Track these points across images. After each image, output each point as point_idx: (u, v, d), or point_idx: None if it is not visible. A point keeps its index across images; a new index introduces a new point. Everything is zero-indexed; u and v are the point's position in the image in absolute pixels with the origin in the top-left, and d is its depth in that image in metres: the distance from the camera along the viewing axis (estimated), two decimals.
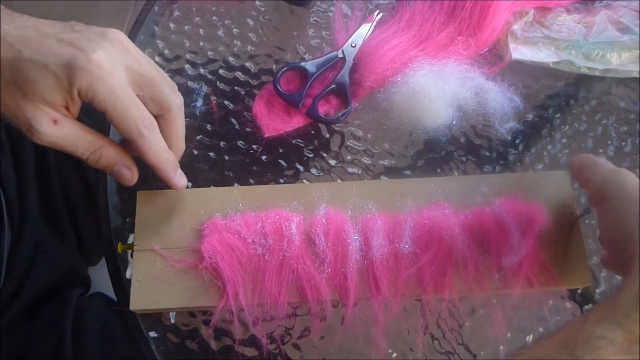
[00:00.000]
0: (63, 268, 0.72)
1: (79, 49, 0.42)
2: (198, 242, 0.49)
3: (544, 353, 0.36)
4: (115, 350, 0.63)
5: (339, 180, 0.57)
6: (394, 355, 0.51)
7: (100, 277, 0.77)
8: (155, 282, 0.48)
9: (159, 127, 0.47)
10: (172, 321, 0.51)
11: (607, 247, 0.44)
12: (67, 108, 0.44)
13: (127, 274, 0.50)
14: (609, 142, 0.61)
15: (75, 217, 0.74)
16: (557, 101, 0.63)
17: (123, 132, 0.44)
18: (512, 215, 0.50)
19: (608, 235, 0.43)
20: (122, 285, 0.52)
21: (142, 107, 0.45)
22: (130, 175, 0.48)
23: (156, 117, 0.47)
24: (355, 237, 0.50)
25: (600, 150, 0.60)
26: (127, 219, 0.55)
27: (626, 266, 0.40)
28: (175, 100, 0.48)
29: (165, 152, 0.47)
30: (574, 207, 0.52)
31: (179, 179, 0.50)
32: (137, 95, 0.45)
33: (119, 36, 0.45)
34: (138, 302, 0.48)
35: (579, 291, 0.54)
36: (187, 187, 0.56)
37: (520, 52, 0.62)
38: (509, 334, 0.52)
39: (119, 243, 0.51)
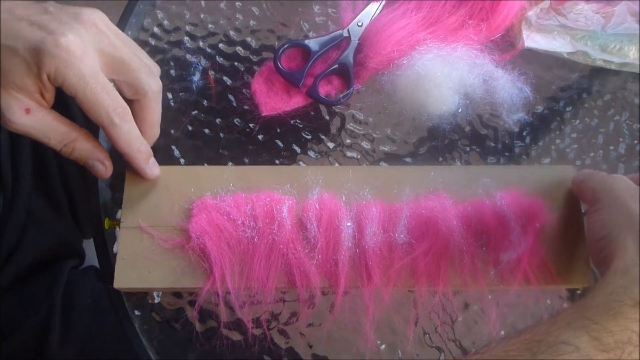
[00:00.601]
0: (56, 239, 0.71)
1: (49, 32, 0.41)
2: (186, 222, 0.48)
3: (506, 353, 0.34)
4: (103, 327, 0.62)
5: (337, 164, 0.55)
6: (383, 347, 0.50)
7: (94, 251, 0.76)
8: (140, 261, 0.47)
9: (134, 112, 0.45)
10: (157, 300, 0.50)
11: (590, 246, 0.44)
12: (41, 95, 0.42)
13: (115, 250, 0.49)
14: (621, 139, 0.59)
15: (69, 188, 0.73)
16: (569, 94, 0.60)
17: (93, 119, 0.43)
18: (513, 209, 0.48)
19: (592, 234, 0.43)
20: (108, 262, 0.51)
21: (114, 94, 0.43)
22: (104, 169, 0.47)
23: (132, 101, 0.46)
24: (348, 224, 0.48)
25: (611, 147, 0.58)
26: (117, 194, 0.54)
27: (603, 267, 0.40)
28: (152, 85, 0.46)
29: (137, 141, 0.46)
30: (579, 204, 0.50)
31: (151, 168, 0.49)
32: (113, 80, 0.44)
33: (92, 17, 0.43)
34: (122, 279, 0.47)
35: (579, 292, 0.52)
36: (180, 164, 0.55)
37: (533, 40, 0.59)
38: (502, 332, 0.50)
39: (106, 219, 0.50)
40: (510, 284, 0.47)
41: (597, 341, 0.33)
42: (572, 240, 0.49)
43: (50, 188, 0.71)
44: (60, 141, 0.44)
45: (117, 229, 0.49)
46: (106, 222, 0.50)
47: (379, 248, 0.47)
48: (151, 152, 0.48)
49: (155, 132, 0.48)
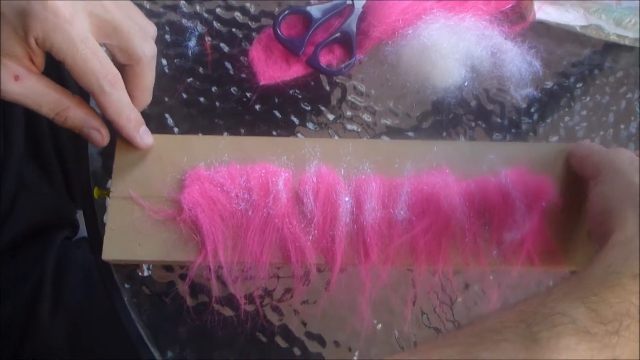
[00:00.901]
0: (48, 209, 0.70)
1: None
2: (178, 193, 0.46)
3: (500, 324, 0.33)
4: (93, 299, 0.61)
5: (336, 137, 0.53)
6: (379, 326, 0.48)
7: None
8: (130, 232, 0.45)
9: (126, 77, 0.44)
10: (147, 273, 0.49)
11: (590, 220, 0.43)
12: (31, 60, 0.41)
13: (105, 220, 0.47)
14: (632, 118, 0.57)
15: (63, 157, 0.72)
16: (580, 69, 0.58)
17: (82, 86, 0.41)
18: (518, 187, 0.46)
19: (592, 208, 0.42)
20: (97, 232, 0.49)
21: (105, 60, 0.41)
22: (100, 137, 0.45)
23: (124, 66, 0.44)
24: (346, 199, 0.46)
25: (622, 126, 0.56)
26: (108, 162, 0.51)
27: (602, 240, 0.39)
28: (146, 50, 0.44)
29: (127, 109, 0.44)
30: (586, 183, 0.47)
31: (142, 137, 0.47)
32: (105, 44, 0.42)
33: None
34: (111, 251, 0.45)
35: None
36: (174, 133, 0.53)
37: (545, 12, 0.57)
38: None
39: (95, 188, 0.48)
40: (513, 264, 0.46)
41: (594, 313, 0.32)
42: (578, 221, 0.47)
43: (43, 157, 0.70)
44: (52, 109, 0.43)
45: (107, 199, 0.47)
46: (95, 192, 0.48)
47: (377, 224, 0.46)
48: (142, 120, 0.46)
49: (146, 97, 0.47)
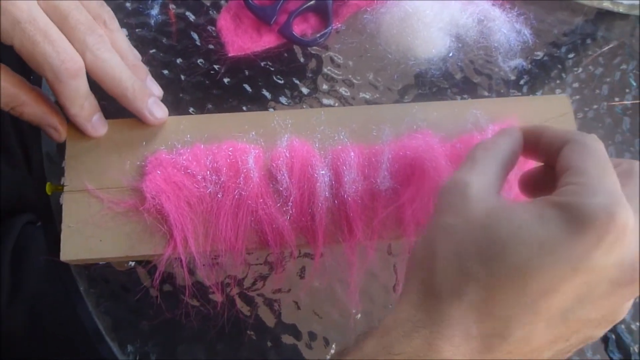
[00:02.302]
0: (9, 192, 0.66)
1: None
2: (139, 181, 0.43)
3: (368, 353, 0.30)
4: (53, 286, 0.58)
5: None
6: (359, 316, 0.45)
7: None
8: (89, 228, 0.42)
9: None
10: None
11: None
12: None
13: None
14: (627, 91, 0.54)
15: (24, 141, 0.67)
16: (572, 39, 0.55)
17: (36, 71, 0.38)
18: None
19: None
20: (54, 229, 0.45)
21: (61, 45, 0.38)
22: (58, 135, 0.43)
23: None
24: (323, 172, 0.43)
25: (617, 99, 0.53)
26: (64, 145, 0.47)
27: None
28: (89, 44, 0.40)
29: (82, 98, 0.40)
30: None
31: (95, 126, 0.43)
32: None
33: None
34: (70, 251, 0.41)
35: None
36: None
37: None
38: None
39: (48, 183, 0.44)
40: None
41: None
42: None
43: (3, 138, 0.65)
44: (6, 103, 0.40)
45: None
46: (48, 187, 0.43)
47: (359, 197, 0.43)
48: (97, 108, 0.43)
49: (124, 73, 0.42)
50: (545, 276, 0.28)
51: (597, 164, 0.31)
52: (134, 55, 0.46)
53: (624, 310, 0.32)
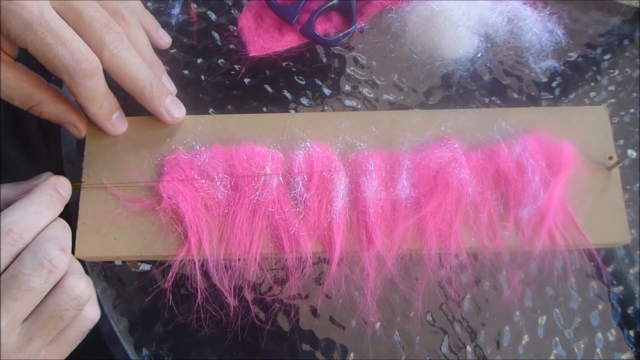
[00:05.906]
0: None
1: None
2: (157, 180, 0.43)
3: None
4: None
5: None
6: (377, 325, 0.44)
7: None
8: (105, 226, 0.42)
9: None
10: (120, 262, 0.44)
11: None
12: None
13: None
14: None
15: (47, 138, 0.68)
16: (608, 40, 0.53)
17: (52, 73, 0.38)
18: (536, 155, 0.43)
19: None
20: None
21: (75, 45, 0.37)
22: (77, 132, 0.44)
23: None
24: (343, 180, 0.42)
25: None
26: (83, 143, 0.47)
27: None
28: (107, 41, 0.40)
29: (101, 98, 0.41)
30: (613, 150, 0.44)
31: (115, 124, 0.43)
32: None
33: None
34: (85, 248, 0.42)
35: (610, 269, 0.45)
36: None
37: None
38: (517, 313, 0.44)
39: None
40: (533, 244, 0.42)
41: None
42: (605, 191, 0.43)
43: (26, 135, 0.66)
44: (23, 103, 0.40)
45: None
46: None
47: (380, 206, 0.42)
48: (117, 106, 0.43)
49: (142, 70, 0.42)
50: None
51: None
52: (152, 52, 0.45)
53: None
